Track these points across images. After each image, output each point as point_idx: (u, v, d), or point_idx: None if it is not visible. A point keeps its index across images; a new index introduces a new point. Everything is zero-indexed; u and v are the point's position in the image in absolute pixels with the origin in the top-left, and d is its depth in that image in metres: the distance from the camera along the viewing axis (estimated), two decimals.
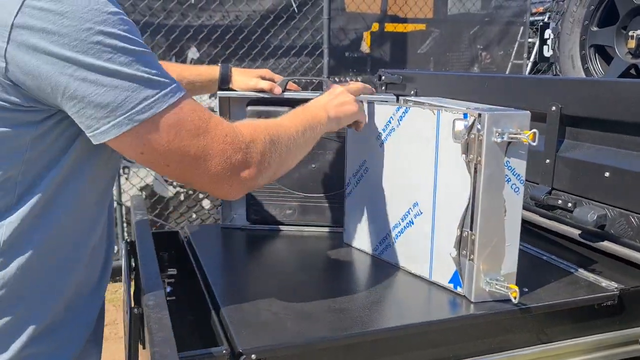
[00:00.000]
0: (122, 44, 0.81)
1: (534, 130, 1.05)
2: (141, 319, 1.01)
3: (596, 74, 2.47)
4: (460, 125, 1.09)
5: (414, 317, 1.10)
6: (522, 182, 1.10)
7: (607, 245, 1.38)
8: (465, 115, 1.08)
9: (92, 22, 0.79)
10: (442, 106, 1.19)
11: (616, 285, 1.22)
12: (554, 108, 1.50)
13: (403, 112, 1.27)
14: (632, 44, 2.29)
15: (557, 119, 1.50)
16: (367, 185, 1.39)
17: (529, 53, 7.14)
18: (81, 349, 0.98)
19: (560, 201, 1.49)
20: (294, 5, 3.74)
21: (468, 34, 7.18)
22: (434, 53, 6.97)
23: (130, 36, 0.83)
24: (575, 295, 1.18)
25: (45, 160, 0.87)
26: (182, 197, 4.21)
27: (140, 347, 1.05)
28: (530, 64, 7.12)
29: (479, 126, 1.07)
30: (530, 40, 7.10)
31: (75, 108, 0.82)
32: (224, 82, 1.52)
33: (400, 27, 6.77)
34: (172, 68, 1.45)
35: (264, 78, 1.52)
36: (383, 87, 2.49)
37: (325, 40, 3.93)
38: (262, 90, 1.50)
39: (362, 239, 1.43)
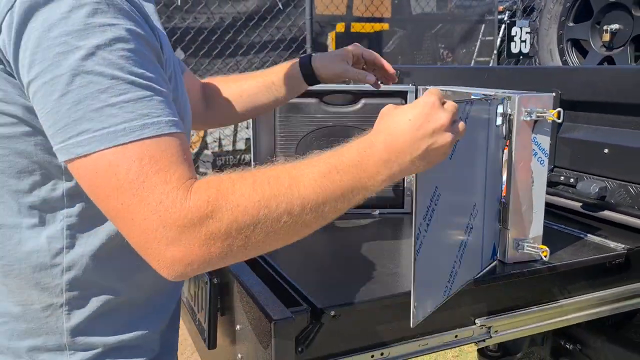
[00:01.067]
0: (86, 63, 0.69)
1: (559, 109, 1.20)
2: (220, 288, 1.12)
3: (573, 65, 2.68)
4: (500, 109, 1.23)
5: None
6: (546, 155, 1.25)
7: (608, 214, 1.56)
8: (502, 100, 1.22)
9: (61, 30, 0.69)
10: (482, 94, 1.32)
11: (623, 246, 1.39)
12: (554, 94, 1.67)
13: (469, 110, 1.04)
14: (606, 37, 2.50)
15: (557, 103, 1.67)
16: (440, 218, 1.01)
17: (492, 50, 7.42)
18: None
19: (562, 177, 1.66)
20: (279, 5, 3.85)
21: (431, 33, 7.42)
22: (400, 52, 7.18)
23: (107, 54, 0.70)
24: (589, 255, 1.35)
25: None
26: None
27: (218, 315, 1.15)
28: (491, 61, 7.40)
29: (509, 108, 1.22)
30: (488, 37, 7.39)
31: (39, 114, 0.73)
32: (309, 77, 1.33)
33: (367, 27, 6.94)
34: (242, 79, 1.35)
35: (354, 61, 1.31)
36: (380, 82, 2.63)
37: (308, 41, 4.05)
38: (354, 79, 1.32)
39: (432, 296, 1.06)
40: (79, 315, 0.84)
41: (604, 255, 1.36)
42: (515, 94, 1.22)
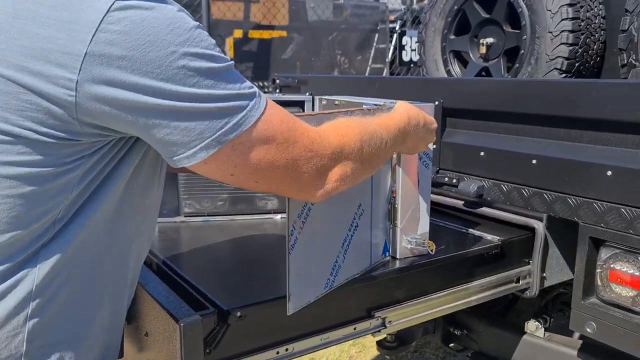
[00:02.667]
0: (206, 65, 0.77)
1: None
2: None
3: (456, 75, 2.91)
4: None
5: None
6: (430, 159, 1.39)
7: (485, 210, 1.74)
8: (389, 109, 1.34)
9: (175, 44, 0.74)
10: (373, 104, 1.44)
11: (498, 238, 1.56)
12: (436, 102, 1.83)
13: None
14: (482, 50, 2.75)
15: (439, 111, 1.83)
16: (318, 217, 1.11)
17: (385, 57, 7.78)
18: None
19: (446, 178, 1.82)
20: None
21: (328, 40, 7.65)
22: (298, 58, 7.33)
23: (212, 52, 0.78)
24: (470, 248, 1.51)
25: (90, 191, 0.83)
26: None
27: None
28: (385, 69, 7.76)
29: None
30: (381, 45, 7.75)
31: (159, 135, 0.77)
32: None
33: (265, 34, 7.01)
34: None
35: None
36: (277, 90, 2.71)
37: None
38: None
39: (310, 288, 1.15)
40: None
41: (482, 247, 1.52)
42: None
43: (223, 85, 0.78)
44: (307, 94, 2.59)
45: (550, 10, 2.40)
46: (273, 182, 0.88)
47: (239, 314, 1.08)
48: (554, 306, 1.85)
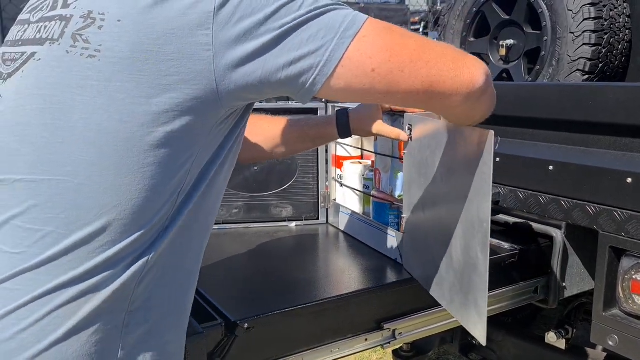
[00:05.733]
0: None
1: None
2: None
3: None
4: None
5: (369, 283, 1.33)
6: None
7: (501, 217, 1.70)
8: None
9: None
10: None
11: (516, 246, 1.52)
12: None
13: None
14: (502, 52, 2.70)
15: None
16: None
17: None
18: None
19: None
20: None
21: None
22: None
23: None
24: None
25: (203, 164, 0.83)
26: None
27: None
28: None
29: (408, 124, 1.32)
30: None
31: (290, 56, 0.76)
32: (343, 133, 1.37)
33: None
34: (277, 122, 1.37)
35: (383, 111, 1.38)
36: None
37: None
38: (385, 136, 1.37)
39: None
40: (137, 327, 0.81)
41: (500, 255, 1.49)
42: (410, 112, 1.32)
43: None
44: (323, 100, 2.59)
45: (571, 10, 2.35)
46: (432, 69, 0.82)
47: (246, 325, 1.08)
48: (576, 316, 1.79)
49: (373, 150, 1.58)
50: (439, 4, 7.70)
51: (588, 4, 2.31)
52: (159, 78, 0.74)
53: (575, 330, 1.75)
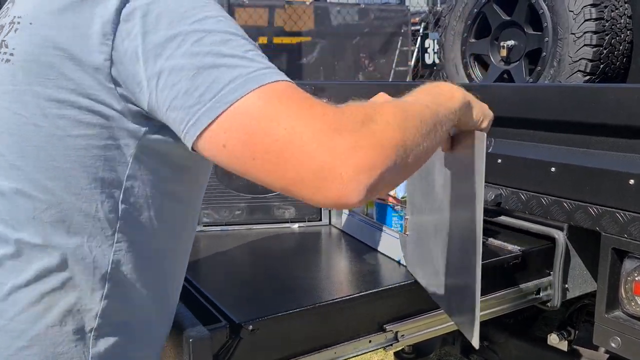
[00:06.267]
0: (214, 26, 0.73)
1: None
2: None
3: (476, 78, 2.87)
4: None
5: (371, 285, 1.33)
6: None
7: (503, 218, 1.70)
8: None
9: (189, 7, 0.73)
10: None
11: (519, 248, 1.53)
12: None
13: None
14: (503, 52, 2.71)
15: None
16: None
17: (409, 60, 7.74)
18: None
19: None
20: None
21: (351, 44, 7.65)
22: (322, 63, 7.34)
23: (231, 21, 0.76)
24: (491, 258, 1.48)
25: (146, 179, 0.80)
26: None
27: None
28: (409, 71, 7.72)
29: None
30: (404, 48, 7.72)
31: (167, 102, 0.71)
32: None
33: (287, 40, 7.04)
34: None
35: None
36: None
37: None
38: None
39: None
40: (104, 343, 0.82)
41: (503, 257, 1.49)
42: None
43: (228, 45, 0.72)
44: (325, 100, 2.60)
45: (572, 11, 2.35)
46: (275, 163, 0.68)
47: (251, 327, 1.08)
48: (579, 318, 1.80)
49: None
50: (439, 5, 7.72)
51: (589, 5, 2.31)
52: (65, 82, 0.74)
53: (577, 332, 1.76)
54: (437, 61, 5.88)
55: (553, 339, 1.70)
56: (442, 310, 1.37)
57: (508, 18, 2.70)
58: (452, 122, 0.89)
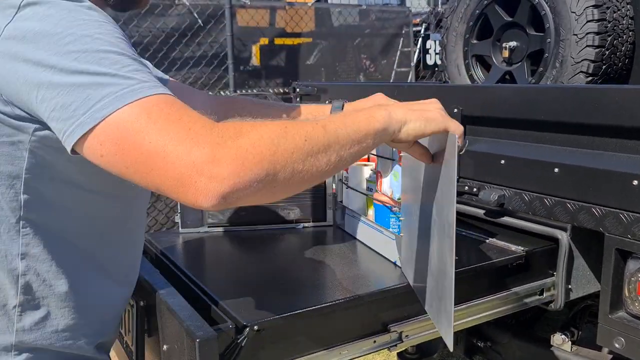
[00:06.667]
0: (91, 45, 0.78)
1: None
2: (146, 310, 1.15)
3: (478, 79, 2.87)
4: None
5: (375, 286, 1.33)
6: None
7: (506, 219, 1.71)
8: None
9: (66, 26, 0.79)
10: None
11: (522, 248, 1.53)
12: (455, 110, 1.81)
13: None
14: (505, 53, 2.71)
15: (459, 119, 1.81)
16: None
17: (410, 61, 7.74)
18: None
19: (466, 187, 1.80)
20: (199, 22, 3.87)
21: (352, 44, 7.64)
22: (323, 64, 7.34)
23: (108, 38, 0.80)
24: (494, 258, 1.48)
25: (45, 174, 0.88)
26: None
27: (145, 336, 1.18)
28: (410, 72, 7.71)
29: None
30: (405, 49, 7.71)
31: (46, 113, 0.79)
32: None
33: (288, 41, 7.03)
34: (274, 108, 1.37)
35: None
36: (298, 99, 2.72)
37: (229, 56, 4.09)
38: None
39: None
40: (30, 317, 0.92)
41: (506, 257, 1.49)
42: None
43: (103, 64, 0.78)
44: (327, 102, 2.60)
45: (574, 13, 2.35)
46: (145, 171, 0.76)
47: (256, 327, 1.08)
48: (582, 318, 1.80)
49: (374, 153, 1.59)
50: (439, 6, 7.72)
51: (591, 6, 2.32)
52: None
53: (580, 333, 1.76)
54: (438, 62, 5.88)
55: (557, 340, 1.71)
56: None
57: (510, 19, 2.70)
58: (367, 142, 0.91)
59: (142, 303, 1.15)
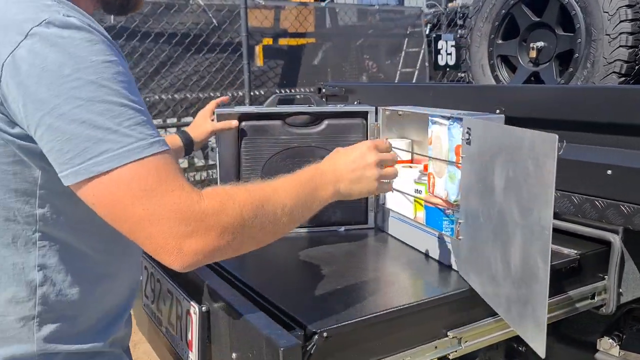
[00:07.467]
0: (96, 93, 0.80)
1: None
2: (208, 317, 1.11)
3: (503, 80, 2.85)
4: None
5: (435, 290, 1.31)
6: None
7: (556, 222, 1.68)
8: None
9: (73, 68, 0.79)
10: (440, 115, 1.41)
11: (575, 252, 1.50)
12: (498, 111, 1.78)
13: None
14: (533, 54, 2.69)
15: (502, 121, 1.78)
16: None
17: (416, 61, 7.72)
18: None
19: None
20: (214, 22, 3.83)
21: (358, 45, 7.62)
22: (329, 65, 7.31)
23: (113, 85, 0.81)
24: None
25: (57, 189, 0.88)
26: None
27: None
28: (416, 72, 7.70)
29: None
30: (410, 49, 7.70)
31: (44, 149, 0.82)
32: (188, 146, 1.69)
33: (292, 41, 7.00)
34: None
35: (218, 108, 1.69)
36: (324, 100, 2.68)
37: (244, 57, 4.05)
38: (221, 130, 1.70)
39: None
40: (48, 327, 0.93)
41: (561, 261, 1.47)
42: (470, 115, 1.31)
43: (107, 117, 0.80)
44: (356, 102, 2.57)
45: (607, 12, 2.33)
46: (130, 230, 0.84)
47: (325, 334, 1.05)
48: (626, 322, 1.77)
49: (426, 154, 1.56)
50: (442, 6, 7.68)
51: (625, 6, 2.30)
52: None
53: (624, 337, 1.73)
54: (450, 62, 5.86)
55: (604, 344, 1.68)
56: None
57: (537, 19, 2.68)
58: (321, 204, 1.10)
59: (204, 309, 1.11)
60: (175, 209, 0.82)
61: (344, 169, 1.15)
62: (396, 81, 7.39)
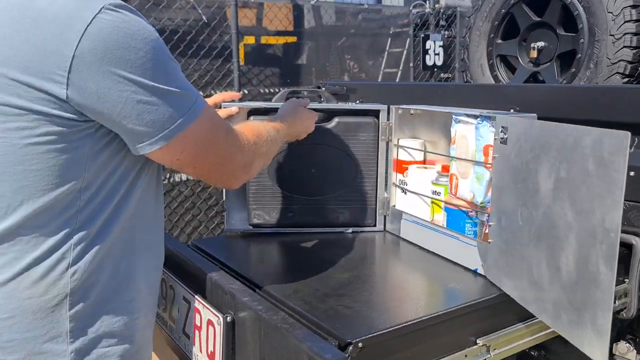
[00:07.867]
0: (162, 67, 0.92)
1: None
2: (233, 327, 1.04)
3: (503, 80, 2.82)
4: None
5: (464, 297, 1.25)
6: None
7: None
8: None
9: (145, 50, 0.89)
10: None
11: None
12: (512, 111, 1.74)
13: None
14: (533, 54, 2.66)
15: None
16: None
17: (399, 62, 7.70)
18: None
19: None
20: (204, 19, 3.73)
21: (339, 45, 7.56)
22: (313, 64, 7.24)
23: (167, 59, 0.94)
24: None
25: (105, 170, 0.95)
26: None
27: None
28: (399, 73, 7.67)
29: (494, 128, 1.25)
30: (393, 49, 7.67)
31: (127, 125, 0.90)
32: None
33: (273, 40, 6.90)
34: None
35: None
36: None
37: (234, 54, 3.96)
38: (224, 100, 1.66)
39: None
40: (80, 342, 0.95)
41: None
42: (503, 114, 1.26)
43: (174, 84, 0.93)
44: (358, 101, 2.51)
45: (611, 13, 2.31)
46: (209, 170, 1.04)
47: (360, 345, 0.99)
48: (639, 327, 1.74)
49: (448, 155, 1.51)
50: (427, 7, 7.68)
51: (629, 7, 2.28)
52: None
53: (638, 341, 1.70)
54: (437, 63, 5.84)
55: (621, 348, 1.65)
56: (529, 321, 1.31)
57: (538, 19, 2.66)
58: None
59: (228, 318, 1.04)
60: (238, 145, 1.07)
61: (291, 115, 1.42)
62: (379, 80, 7.36)
